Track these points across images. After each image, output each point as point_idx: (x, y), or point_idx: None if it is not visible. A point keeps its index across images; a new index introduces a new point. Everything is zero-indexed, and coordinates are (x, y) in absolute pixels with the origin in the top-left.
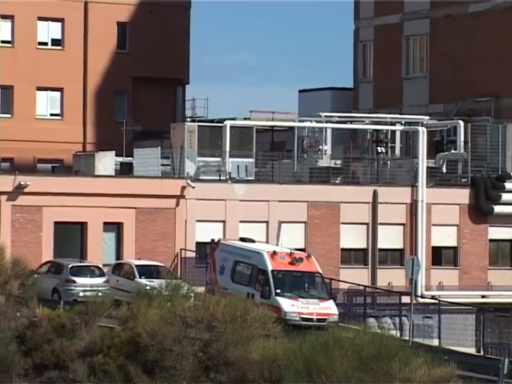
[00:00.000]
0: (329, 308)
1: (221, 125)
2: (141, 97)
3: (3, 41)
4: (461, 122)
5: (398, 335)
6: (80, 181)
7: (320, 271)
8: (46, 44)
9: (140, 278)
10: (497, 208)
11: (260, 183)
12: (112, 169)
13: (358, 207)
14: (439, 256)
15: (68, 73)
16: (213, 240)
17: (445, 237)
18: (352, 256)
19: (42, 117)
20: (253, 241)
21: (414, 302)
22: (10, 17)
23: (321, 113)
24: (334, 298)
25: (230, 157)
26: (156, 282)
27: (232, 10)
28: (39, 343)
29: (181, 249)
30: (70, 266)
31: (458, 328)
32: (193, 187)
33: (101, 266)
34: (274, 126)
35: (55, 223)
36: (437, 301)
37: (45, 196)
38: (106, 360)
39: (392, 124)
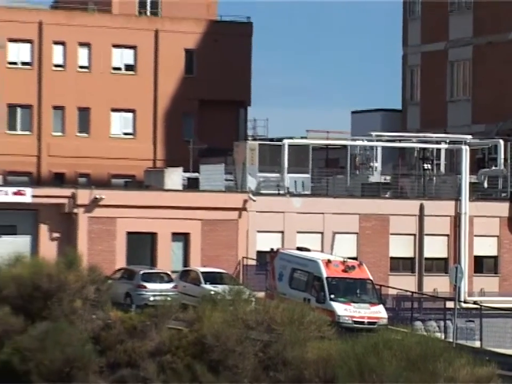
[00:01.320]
0: (379, 312)
1: (280, 143)
2: (207, 117)
3: (81, 67)
4: (501, 141)
5: (443, 337)
6: (150, 195)
7: (371, 278)
8: (119, 69)
9: (205, 283)
10: None
11: (315, 197)
12: (180, 184)
13: (406, 219)
14: (480, 264)
15: (140, 96)
16: (272, 249)
17: (486, 247)
18: (400, 264)
19: (116, 136)
20: (308, 250)
21: (458, 307)
22: (87, 45)
23: (372, 133)
24: (384, 303)
25: (288, 172)
26: (219, 288)
27: (290, 37)
28: (112, 343)
29: (243, 258)
30: (141, 272)
31: (498, 331)
32: (254, 200)
33: (169, 273)
34: (329, 145)
35: (128, 233)
36: (478, 306)
37: (118, 208)
38: (174, 360)
39: (438, 142)
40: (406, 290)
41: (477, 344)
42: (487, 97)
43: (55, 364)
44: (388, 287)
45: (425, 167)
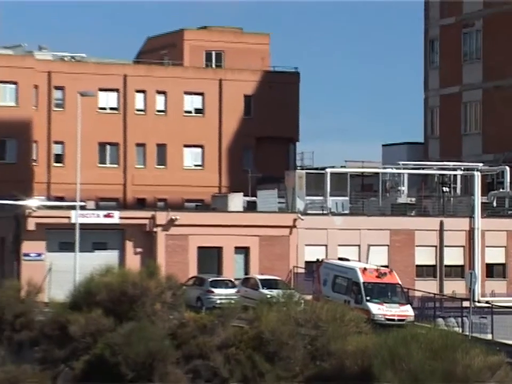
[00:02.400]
0: (407, 311)
1: (323, 171)
2: (262, 151)
3: (158, 111)
4: (507, 168)
5: (460, 331)
6: (216, 216)
7: (400, 283)
8: (190, 112)
9: (263, 288)
10: None
11: (353, 215)
12: (241, 206)
13: (428, 234)
14: (491, 270)
15: (207, 134)
16: (318, 259)
17: (496, 256)
18: (424, 271)
19: (188, 167)
20: (348, 260)
21: (472, 306)
22: (163, 93)
23: (399, 162)
24: (411, 303)
25: (330, 196)
26: (274, 292)
27: (331, 83)
28: (186, 339)
29: (294, 267)
30: (209, 280)
31: (507, 326)
32: (303, 219)
33: (233, 280)
34: (364, 172)
35: (198, 247)
36: (490, 305)
37: (190, 227)
38: (237, 352)
39: (454, 169)
40: (429, 293)
41: (489, 336)
42: (494, 131)
43: (140, 356)
44: (414, 290)
45: (444, 190)
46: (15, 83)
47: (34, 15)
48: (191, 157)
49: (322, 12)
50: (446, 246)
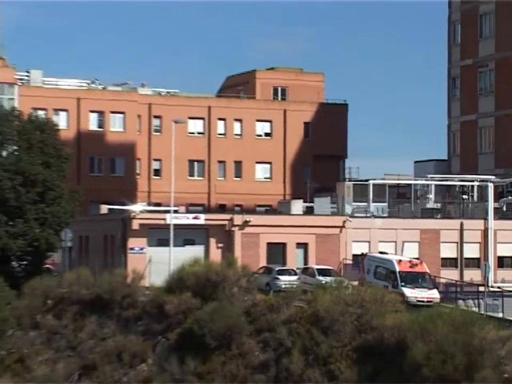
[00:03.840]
0: (434, 294)
1: (367, 183)
2: (318, 167)
3: (236, 134)
4: None
5: (477, 310)
6: (282, 218)
7: (428, 271)
8: (261, 135)
9: (318, 276)
10: None
11: (390, 218)
12: (301, 210)
13: (451, 232)
14: (502, 262)
15: (274, 153)
16: (362, 253)
17: (506, 250)
18: (448, 262)
19: (259, 179)
20: (386, 253)
21: (486, 290)
22: (240, 120)
23: (428, 175)
24: (437, 288)
25: (372, 202)
26: (328, 279)
27: (373, 111)
28: (258, 316)
29: (343, 259)
30: (276, 269)
31: None
32: (350, 221)
33: (295, 269)
34: (399, 183)
35: (267, 243)
36: (501, 290)
37: (261, 227)
38: (298, 326)
39: (472, 181)
40: (452, 280)
41: (500, 315)
42: (504, 150)
43: (221, 330)
44: (439, 277)
45: (464, 197)
46: (123, 113)
47: (137, 59)
48: (261, 171)
49: (364, 55)
50: (465, 242)
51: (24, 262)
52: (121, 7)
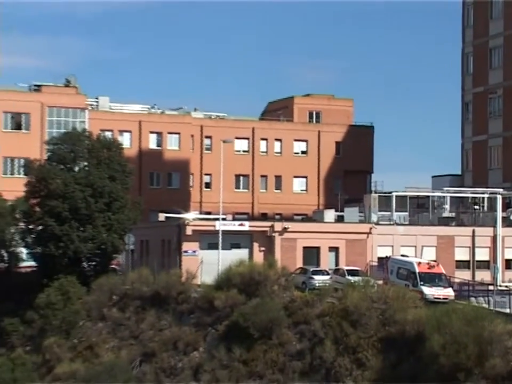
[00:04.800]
0: (449, 292)
1: (390, 195)
2: (348, 180)
3: (276, 152)
4: None
5: (487, 307)
6: (316, 225)
7: (444, 272)
8: (298, 153)
9: (348, 276)
10: None
11: (411, 225)
12: (333, 219)
13: (464, 238)
14: (509, 264)
15: (310, 168)
16: (386, 256)
17: None
18: (461, 264)
19: (296, 191)
20: (407, 256)
21: (495, 289)
22: (280, 140)
23: (444, 188)
24: (452, 286)
25: (395, 211)
26: (356, 278)
27: (396, 131)
28: (295, 310)
29: (369, 261)
30: (311, 270)
31: None
32: (376, 228)
33: (327, 269)
34: (419, 195)
35: (303, 247)
36: (508, 289)
37: (298, 233)
38: (330, 320)
39: (482, 193)
40: (465, 279)
41: (507, 311)
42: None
43: (263, 322)
44: (454, 277)
45: (475, 208)
46: (178, 134)
47: (191, 87)
48: (298, 184)
49: (388, 84)
50: (476, 247)
51: (93, 263)
52: (177, 42)
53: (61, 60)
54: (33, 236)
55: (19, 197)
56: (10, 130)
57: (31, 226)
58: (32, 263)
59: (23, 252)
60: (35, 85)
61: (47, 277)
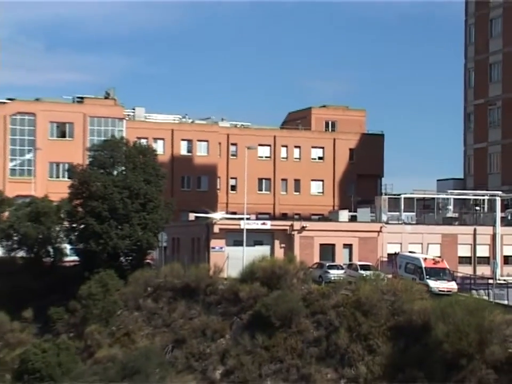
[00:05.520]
0: (452, 285)
1: (399, 197)
2: (360, 183)
3: (295, 158)
4: None
5: (487, 298)
6: (332, 224)
7: (448, 267)
8: (315, 159)
9: (361, 270)
10: None
11: (418, 225)
12: (347, 218)
13: (466, 236)
14: (507, 260)
15: (326, 172)
16: (395, 252)
17: (511, 251)
18: (464, 260)
19: (313, 194)
20: (414, 252)
21: (495, 282)
22: (298, 147)
23: (448, 190)
24: (455, 280)
25: (403, 212)
26: (368, 273)
27: (405, 138)
28: (312, 301)
29: (380, 257)
30: (327, 264)
31: None
32: (386, 227)
33: (342, 264)
34: (425, 197)
35: (320, 244)
36: (506, 282)
37: (315, 231)
38: (344, 310)
39: (483, 195)
40: (467, 274)
41: (506, 302)
42: (510, 171)
43: (283, 312)
44: (457, 272)
45: (476, 209)
46: (206, 141)
47: (218, 99)
48: (315, 187)
49: (397, 96)
50: (477, 244)
51: (130, 258)
52: (206, 58)
53: (104, 74)
54: (76, 233)
55: (63, 198)
56: (56, 138)
57: (74, 225)
58: (75, 258)
59: (67, 247)
60: (78, 97)
61: (89, 271)
